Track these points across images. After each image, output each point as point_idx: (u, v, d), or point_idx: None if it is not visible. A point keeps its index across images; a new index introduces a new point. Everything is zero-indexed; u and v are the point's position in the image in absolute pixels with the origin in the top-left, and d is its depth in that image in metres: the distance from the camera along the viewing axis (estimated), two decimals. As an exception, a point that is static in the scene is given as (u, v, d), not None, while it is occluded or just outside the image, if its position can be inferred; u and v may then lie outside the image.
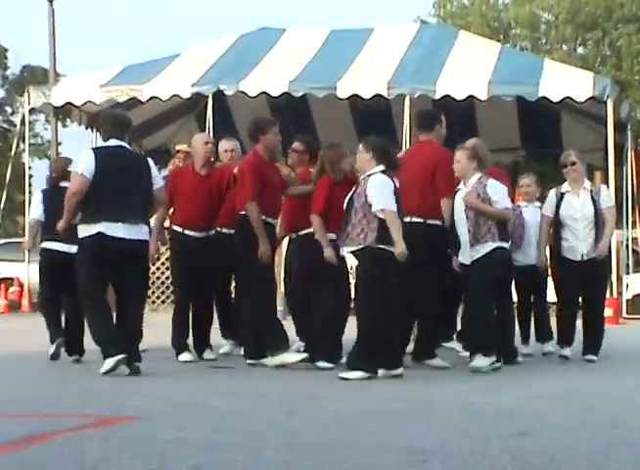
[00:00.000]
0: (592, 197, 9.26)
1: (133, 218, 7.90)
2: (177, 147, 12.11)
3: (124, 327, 7.89)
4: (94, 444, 4.77)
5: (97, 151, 8.10)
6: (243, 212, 8.58)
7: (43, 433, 5.06)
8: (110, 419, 5.61)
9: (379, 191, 7.71)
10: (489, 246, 8.33)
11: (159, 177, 8.34)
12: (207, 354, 9.22)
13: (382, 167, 7.85)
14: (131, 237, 7.84)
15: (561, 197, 9.32)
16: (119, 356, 7.66)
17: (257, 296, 8.51)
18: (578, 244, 9.21)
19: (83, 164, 8.00)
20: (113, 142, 8.07)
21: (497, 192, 8.43)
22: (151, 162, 8.31)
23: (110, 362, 7.66)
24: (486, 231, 8.33)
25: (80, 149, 9.80)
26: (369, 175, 7.81)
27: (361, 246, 7.70)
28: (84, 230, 7.92)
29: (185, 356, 9.02)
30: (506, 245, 8.51)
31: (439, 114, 9.26)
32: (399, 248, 7.57)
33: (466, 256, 8.45)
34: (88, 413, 5.85)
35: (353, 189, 7.94)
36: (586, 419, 5.87)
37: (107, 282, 8.13)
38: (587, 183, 9.40)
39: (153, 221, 9.33)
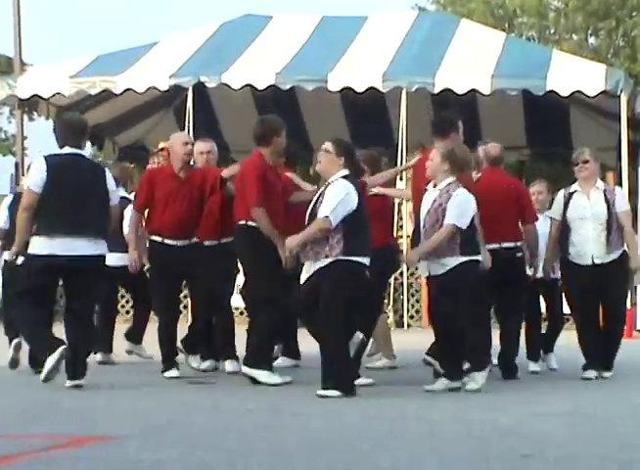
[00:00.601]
0: (605, 197, 9.17)
1: (87, 232, 7.97)
2: (161, 144, 12.14)
3: (73, 331, 7.99)
4: (63, 466, 4.81)
5: (49, 159, 8.11)
6: (242, 222, 8.46)
7: (10, 454, 5.08)
8: (81, 439, 5.64)
9: (332, 198, 7.74)
10: (450, 261, 8.06)
11: (115, 192, 8.41)
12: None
13: (346, 172, 7.90)
14: (84, 253, 7.92)
15: (569, 197, 9.25)
16: (60, 349, 7.71)
17: (273, 319, 8.40)
18: (587, 246, 9.07)
19: (31, 178, 8.09)
20: (67, 150, 8.14)
21: (454, 207, 8.09)
22: (108, 174, 8.40)
23: (51, 361, 7.71)
24: (445, 246, 8.07)
25: (48, 145, 9.83)
26: (330, 182, 7.88)
27: (328, 260, 7.72)
28: (34, 246, 7.97)
29: (172, 373, 9.03)
30: (473, 257, 8.14)
31: (456, 119, 9.03)
32: (285, 252, 8.00)
33: (431, 267, 8.27)
34: (58, 433, 5.88)
35: (315, 197, 7.96)
36: (593, 439, 5.92)
37: (53, 295, 8.27)
38: (600, 183, 9.33)
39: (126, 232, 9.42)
